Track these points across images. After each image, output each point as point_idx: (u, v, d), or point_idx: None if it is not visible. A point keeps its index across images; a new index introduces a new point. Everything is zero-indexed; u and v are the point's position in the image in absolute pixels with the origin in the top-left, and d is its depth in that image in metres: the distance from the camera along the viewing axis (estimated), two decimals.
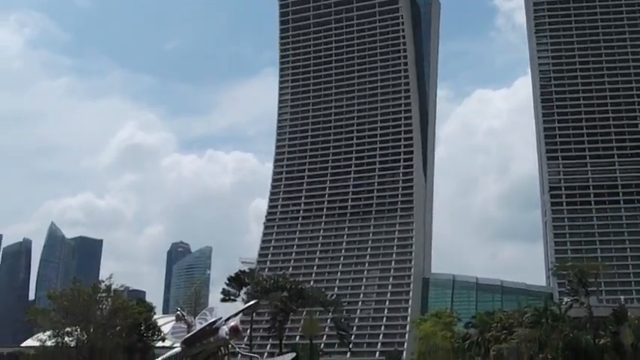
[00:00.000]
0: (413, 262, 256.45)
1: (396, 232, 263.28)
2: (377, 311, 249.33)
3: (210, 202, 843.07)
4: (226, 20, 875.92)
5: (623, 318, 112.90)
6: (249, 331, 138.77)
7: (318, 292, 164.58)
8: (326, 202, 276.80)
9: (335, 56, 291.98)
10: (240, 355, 29.09)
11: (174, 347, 28.39)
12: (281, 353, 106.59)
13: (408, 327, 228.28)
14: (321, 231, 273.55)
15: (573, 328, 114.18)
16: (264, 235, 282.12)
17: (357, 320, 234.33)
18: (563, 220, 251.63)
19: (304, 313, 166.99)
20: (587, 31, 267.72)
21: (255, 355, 29.71)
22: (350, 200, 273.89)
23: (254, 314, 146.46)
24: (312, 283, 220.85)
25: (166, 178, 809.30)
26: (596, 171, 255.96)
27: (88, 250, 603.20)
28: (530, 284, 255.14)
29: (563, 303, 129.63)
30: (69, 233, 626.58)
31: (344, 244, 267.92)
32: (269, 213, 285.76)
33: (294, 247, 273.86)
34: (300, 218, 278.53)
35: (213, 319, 26.66)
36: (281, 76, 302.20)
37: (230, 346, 27.40)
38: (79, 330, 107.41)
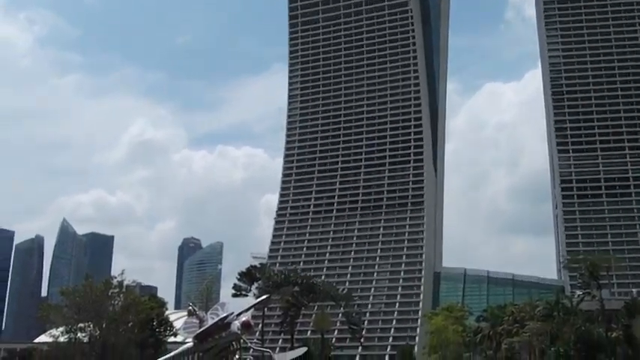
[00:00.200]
0: (424, 257, 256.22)
1: (407, 227, 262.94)
2: (388, 305, 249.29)
3: (220, 197, 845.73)
4: (235, 16, 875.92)
5: (635, 311, 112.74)
6: (260, 325, 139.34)
7: (330, 286, 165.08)
8: (336, 197, 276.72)
9: (344, 51, 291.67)
10: (251, 349, 29.27)
11: (187, 342, 28.61)
12: (292, 348, 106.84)
13: (419, 321, 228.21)
14: (332, 226, 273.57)
15: (585, 321, 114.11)
16: (275, 230, 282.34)
17: (368, 315, 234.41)
18: (575, 212, 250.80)
19: (315, 307, 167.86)
20: (597, 23, 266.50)
21: (267, 350, 29.89)
22: (360, 195, 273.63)
23: (265, 309, 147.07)
24: (323, 277, 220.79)
25: (177, 173, 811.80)
26: (607, 163, 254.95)
27: (100, 247, 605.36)
28: (541, 277, 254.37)
29: (575, 296, 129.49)
30: (81, 229, 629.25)
31: (355, 238, 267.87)
32: (279, 208, 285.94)
33: (305, 242, 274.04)
34: (310, 213, 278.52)
35: (224, 314, 26.83)
36: (290, 71, 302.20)
37: (242, 340, 27.58)
38: (91, 326, 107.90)
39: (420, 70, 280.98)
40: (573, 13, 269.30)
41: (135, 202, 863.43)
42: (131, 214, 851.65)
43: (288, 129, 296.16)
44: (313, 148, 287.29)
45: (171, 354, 28.84)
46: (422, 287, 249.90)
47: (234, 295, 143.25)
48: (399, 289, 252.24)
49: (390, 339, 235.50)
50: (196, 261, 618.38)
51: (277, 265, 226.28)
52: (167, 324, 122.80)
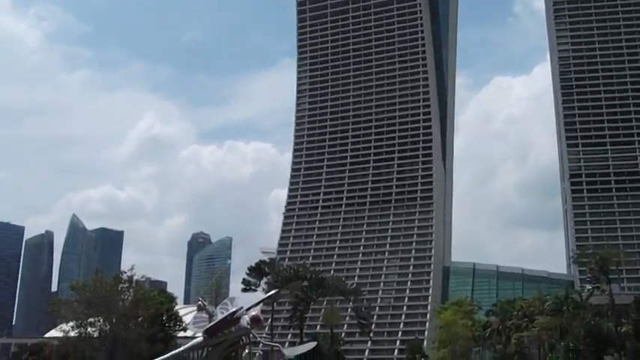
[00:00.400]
0: (433, 251, 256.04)
1: (416, 221, 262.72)
2: (397, 300, 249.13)
3: (229, 192, 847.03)
4: (244, 11, 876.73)
5: None
6: (269, 320, 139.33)
7: (339, 281, 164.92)
8: (345, 192, 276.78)
9: (353, 45, 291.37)
10: (261, 344, 29.37)
11: (196, 337, 28.72)
12: (302, 342, 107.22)
13: (428, 316, 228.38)
14: (341, 220, 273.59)
15: (595, 315, 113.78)
16: (284, 225, 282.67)
17: (377, 309, 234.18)
18: (584, 207, 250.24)
19: (325, 302, 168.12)
20: (607, 16, 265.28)
21: (276, 345, 29.99)
22: (369, 190, 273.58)
23: (275, 304, 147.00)
24: (332, 272, 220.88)
25: (186, 168, 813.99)
26: (616, 157, 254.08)
27: (109, 242, 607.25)
28: (551, 272, 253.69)
29: (585, 291, 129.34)
30: (90, 225, 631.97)
31: (364, 233, 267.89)
32: (288, 203, 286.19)
33: (314, 236, 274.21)
34: (319, 208, 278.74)
35: (234, 309, 26.96)
36: (299, 66, 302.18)
37: (251, 335, 27.69)
38: (101, 321, 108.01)
39: (429, 64, 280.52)
40: (583, 6, 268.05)
41: (144, 197, 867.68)
42: (140, 209, 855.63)
43: (297, 124, 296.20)
44: (322, 143, 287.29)
45: (182, 348, 28.99)
46: (431, 282, 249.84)
47: (244, 290, 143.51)
48: (408, 283, 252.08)
49: (400, 333, 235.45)
50: (205, 256, 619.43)
51: (286, 259, 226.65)
52: (177, 319, 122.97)
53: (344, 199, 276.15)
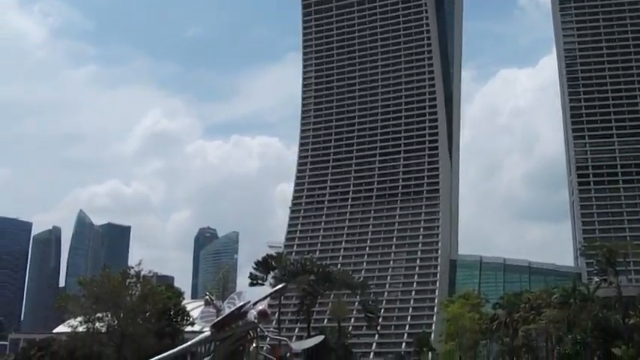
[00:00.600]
0: (440, 244, 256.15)
1: (423, 215, 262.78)
2: (404, 293, 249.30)
3: (236, 187, 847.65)
4: (249, 6, 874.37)
5: None
6: (277, 314, 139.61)
7: (346, 274, 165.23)
8: (352, 186, 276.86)
9: (358, 39, 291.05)
10: (268, 338, 29.42)
11: (204, 331, 28.80)
12: (309, 336, 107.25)
13: (435, 309, 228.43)
14: (348, 214, 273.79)
15: (602, 307, 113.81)
16: (291, 219, 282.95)
17: (384, 303, 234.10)
18: (591, 199, 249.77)
19: (332, 296, 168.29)
20: (612, 7, 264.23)
21: (284, 339, 30.01)
22: (376, 183, 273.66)
23: (282, 298, 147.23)
24: (339, 266, 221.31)
25: (192, 163, 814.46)
26: (623, 149, 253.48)
27: (116, 237, 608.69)
28: (558, 264, 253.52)
29: (592, 283, 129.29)
30: (97, 220, 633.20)
31: (370, 227, 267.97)
32: (295, 197, 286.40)
33: (321, 230, 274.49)
34: (326, 202, 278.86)
35: (241, 303, 27.00)
36: (304, 60, 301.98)
37: (258, 329, 27.76)
38: (109, 316, 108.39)
39: (435, 56, 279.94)
40: None
41: (150, 192, 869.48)
42: (147, 204, 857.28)
43: (303, 118, 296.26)
44: (328, 136, 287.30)
45: (189, 343, 29.02)
46: (438, 275, 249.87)
47: (251, 285, 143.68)
48: (415, 276, 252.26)
49: (407, 327, 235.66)
50: (212, 251, 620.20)
51: (293, 254, 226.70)
52: (184, 313, 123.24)
53: (350, 192, 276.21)
